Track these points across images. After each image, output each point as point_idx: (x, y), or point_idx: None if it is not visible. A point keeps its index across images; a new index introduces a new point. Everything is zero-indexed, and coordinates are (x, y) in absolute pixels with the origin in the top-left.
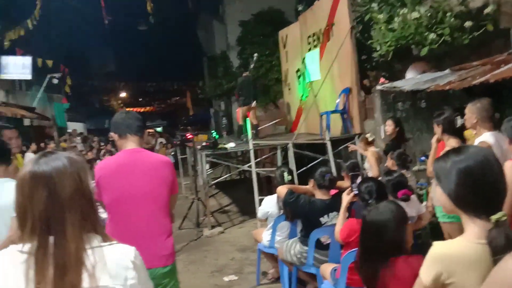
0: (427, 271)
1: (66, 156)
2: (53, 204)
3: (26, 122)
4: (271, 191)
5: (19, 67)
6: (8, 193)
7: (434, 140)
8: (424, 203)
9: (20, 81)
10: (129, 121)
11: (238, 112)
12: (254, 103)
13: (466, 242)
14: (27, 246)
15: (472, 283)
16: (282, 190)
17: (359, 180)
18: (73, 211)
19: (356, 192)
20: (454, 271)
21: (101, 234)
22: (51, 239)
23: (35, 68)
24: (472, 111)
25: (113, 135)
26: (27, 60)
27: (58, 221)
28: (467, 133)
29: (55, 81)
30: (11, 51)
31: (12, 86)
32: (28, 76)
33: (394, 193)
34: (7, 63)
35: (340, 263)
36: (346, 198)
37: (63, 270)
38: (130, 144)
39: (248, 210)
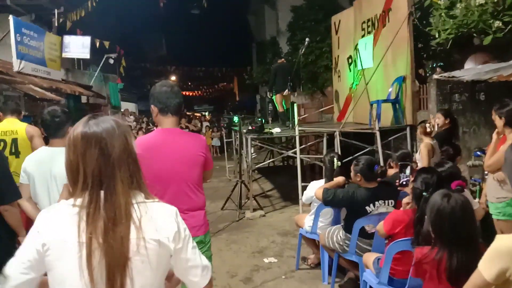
0: (490, 265)
1: (112, 119)
2: (104, 162)
3: (83, 99)
4: (314, 178)
5: (79, 46)
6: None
7: (494, 133)
8: (477, 199)
9: (79, 60)
10: (174, 100)
11: (276, 99)
12: (286, 91)
13: None
14: (79, 200)
15: None
16: (318, 192)
17: (408, 170)
18: (122, 168)
19: (404, 182)
20: None
21: (145, 192)
22: (102, 193)
23: (92, 48)
24: None
25: (153, 108)
26: (86, 40)
27: (109, 178)
28: None
29: (111, 61)
30: (72, 32)
31: (72, 64)
32: (87, 55)
33: (448, 185)
34: (68, 42)
35: (384, 253)
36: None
37: (113, 222)
38: (169, 123)
39: (290, 196)
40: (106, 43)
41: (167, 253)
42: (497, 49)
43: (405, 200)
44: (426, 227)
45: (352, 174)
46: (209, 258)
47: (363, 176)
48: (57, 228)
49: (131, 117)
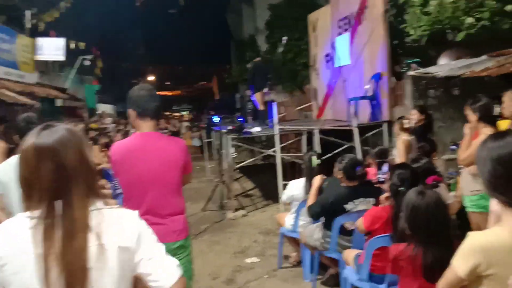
0: (463, 262)
1: (66, 128)
2: (59, 175)
3: (59, 102)
4: (294, 177)
5: (53, 48)
6: None
7: (467, 127)
8: (452, 193)
9: (53, 62)
10: (152, 104)
11: (257, 98)
12: (266, 89)
13: (504, 232)
14: (36, 212)
15: None
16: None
17: (385, 167)
18: (79, 180)
19: (382, 179)
20: (495, 262)
21: (103, 199)
22: (58, 207)
23: (67, 50)
24: (511, 99)
25: (131, 112)
26: (60, 42)
27: (64, 191)
28: (501, 123)
29: (87, 63)
30: (45, 33)
31: (46, 67)
32: (62, 57)
33: (423, 180)
34: (42, 44)
35: (364, 249)
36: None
37: (70, 236)
38: (147, 126)
39: (271, 195)
40: (82, 44)
41: (130, 258)
42: (470, 45)
43: (383, 196)
44: (402, 224)
45: (335, 169)
46: (190, 262)
47: (345, 174)
48: (13, 242)
49: (109, 119)
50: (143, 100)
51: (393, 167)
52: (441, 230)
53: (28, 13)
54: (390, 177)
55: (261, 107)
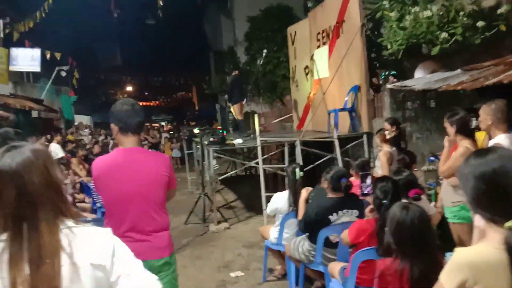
0: (451, 277)
1: (30, 148)
2: (24, 202)
3: (34, 114)
4: (277, 188)
5: (28, 59)
6: None
7: (446, 140)
8: (433, 203)
9: (28, 73)
10: (134, 119)
11: (234, 110)
12: (244, 101)
13: (489, 248)
14: (1, 237)
15: None
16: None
17: (368, 180)
18: (45, 204)
19: (366, 192)
20: (481, 277)
21: (73, 218)
22: (25, 233)
23: (43, 60)
24: (487, 112)
25: (113, 128)
26: (36, 52)
27: (30, 217)
28: (478, 135)
29: (63, 73)
30: (20, 43)
31: (20, 78)
32: (37, 68)
33: (405, 193)
34: (16, 55)
35: (350, 262)
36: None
37: (38, 264)
38: (129, 142)
39: (254, 207)
40: (58, 55)
41: (104, 277)
42: (444, 58)
43: (367, 209)
44: (387, 239)
45: (322, 179)
46: (176, 279)
47: (330, 185)
48: None
49: (86, 130)
50: (125, 115)
51: (376, 180)
52: (426, 244)
53: (0, 22)
54: (373, 190)
55: (239, 118)
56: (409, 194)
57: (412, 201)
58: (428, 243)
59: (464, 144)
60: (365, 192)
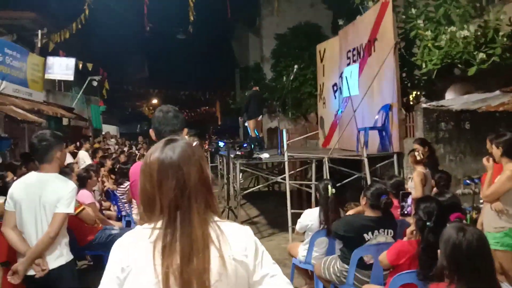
0: None
1: (187, 143)
2: (181, 193)
3: (65, 121)
4: (301, 205)
5: (63, 67)
6: (54, 189)
7: (487, 162)
8: None
9: (60, 82)
10: (166, 127)
11: (249, 125)
12: (260, 117)
13: None
14: (157, 225)
15: None
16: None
17: (409, 199)
18: (198, 198)
19: (407, 212)
20: None
21: (218, 214)
22: (178, 224)
23: (75, 70)
24: None
25: (151, 133)
26: (71, 62)
27: (185, 209)
28: None
29: (95, 83)
30: (54, 54)
31: (53, 86)
32: (71, 77)
33: (447, 215)
34: (52, 63)
35: (387, 285)
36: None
37: (189, 257)
38: None
39: (278, 223)
40: (89, 65)
41: (245, 272)
42: (477, 79)
43: (409, 230)
44: (440, 262)
45: (361, 196)
46: None
47: (369, 202)
48: (136, 255)
49: (112, 140)
50: (159, 121)
51: (418, 200)
52: (484, 269)
53: (39, 33)
54: (415, 211)
55: (252, 134)
56: (451, 217)
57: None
58: (487, 268)
59: (510, 168)
60: (406, 212)
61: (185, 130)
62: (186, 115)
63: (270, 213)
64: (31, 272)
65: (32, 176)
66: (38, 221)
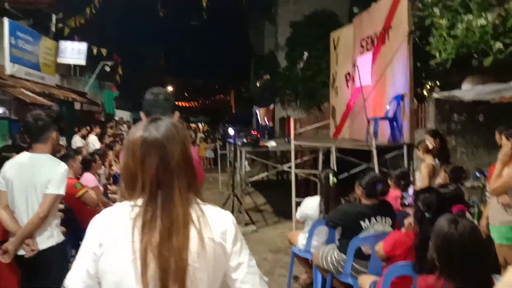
0: None
1: (172, 122)
2: (163, 170)
3: (77, 106)
4: (309, 194)
5: (75, 52)
6: (46, 170)
7: (501, 155)
8: (475, 221)
9: (75, 67)
10: (158, 109)
11: (260, 113)
12: (272, 106)
13: None
14: (137, 202)
15: None
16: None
17: (411, 190)
18: (180, 176)
19: (407, 203)
20: None
21: (200, 197)
22: (159, 202)
23: (90, 55)
24: None
25: (142, 116)
26: (83, 46)
27: (167, 186)
28: None
29: (107, 68)
30: (69, 38)
31: (67, 70)
32: (83, 62)
33: (449, 208)
34: (64, 47)
35: (382, 276)
36: None
37: (169, 233)
38: None
39: (283, 212)
40: (103, 51)
41: (223, 255)
42: (495, 71)
43: (407, 220)
44: (430, 254)
45: (355, 186)
46: None
47: (365, 190)
48: (115, 232)
49: (125, 126)
50: (150, 103)
51: (418, 191)
52: (476, 265)
53: (53, 17)
54: (414, 201)
55: (263, 123)
56: (453, 210)
57: None
58: (480, 263)
59: None
60: (406, 202)
61: (177, 113)
62: (200, 103)
63: (277, 202)
64: (21, 252)
65: (24, 156)
66: (29, 201)
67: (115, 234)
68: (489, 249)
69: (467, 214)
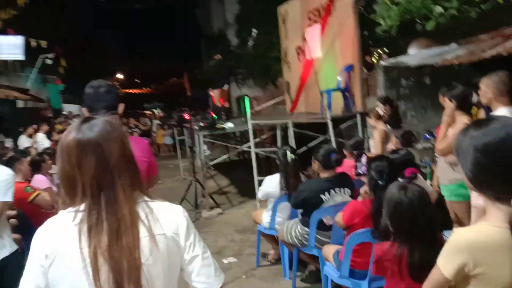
0: (449, 261)
1: (106, 121)
2: (103, 170)
3: (20, 104)
4: (270, 172)
5: (10, 47)
6: None
7: (445, 116)
8: (428, 181)
9: (13, 62)
10: (101, 103)
11: (214, 94)
12: (226, 86)
13: (491, 227)
14: (80, 208)
15: (502, 271)
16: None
17: (364, 158)
18: (122, 175)
19: (361, 171)
20: (483, 260)
21: (145, 194)
22: (103, 203)
23: (29, 49)
24: (488, 85)
25: (84, 111)
26: (19, 40)
27: (108, 186)
28: (475, 111)
29: (49, 61)
30: (3, 32)
31: (5, 67)
32: (21, 57)
33: (401, 172)
34: None
35: (344, 245)
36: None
37: (117, 235)
38: None
39: (247, 191)
40: (43, 42)
41: (177, 250)
42: (439, 34)
43: (362, 189)
44: (384, 221)
45: (312, 161)
46: None
47: (321, 164)
48: (61, 239)
49: (75, 120)
50: (91, 98)
51: (370, 160)
52: (426, 227)
53: None
54: (367, 170)
55: (217, 104)
56: (405, 173)
57: (409, 180)
58: (429, 225)
59: (464, 121)
60: (360, 171)
61: (121, 105)
62: (153, 88)
63: (240, 182)
64: None
65: None
66: None
67: (61, 243)
68: (437, 211)
69: (419, 176)
